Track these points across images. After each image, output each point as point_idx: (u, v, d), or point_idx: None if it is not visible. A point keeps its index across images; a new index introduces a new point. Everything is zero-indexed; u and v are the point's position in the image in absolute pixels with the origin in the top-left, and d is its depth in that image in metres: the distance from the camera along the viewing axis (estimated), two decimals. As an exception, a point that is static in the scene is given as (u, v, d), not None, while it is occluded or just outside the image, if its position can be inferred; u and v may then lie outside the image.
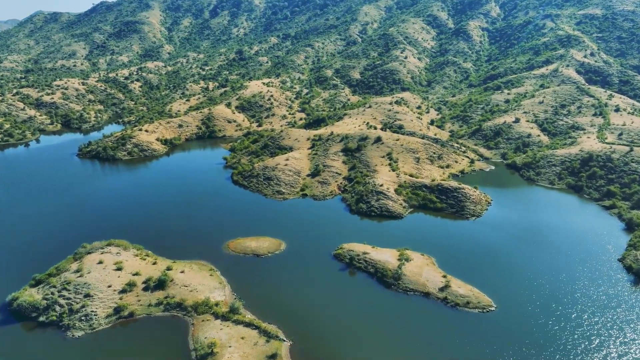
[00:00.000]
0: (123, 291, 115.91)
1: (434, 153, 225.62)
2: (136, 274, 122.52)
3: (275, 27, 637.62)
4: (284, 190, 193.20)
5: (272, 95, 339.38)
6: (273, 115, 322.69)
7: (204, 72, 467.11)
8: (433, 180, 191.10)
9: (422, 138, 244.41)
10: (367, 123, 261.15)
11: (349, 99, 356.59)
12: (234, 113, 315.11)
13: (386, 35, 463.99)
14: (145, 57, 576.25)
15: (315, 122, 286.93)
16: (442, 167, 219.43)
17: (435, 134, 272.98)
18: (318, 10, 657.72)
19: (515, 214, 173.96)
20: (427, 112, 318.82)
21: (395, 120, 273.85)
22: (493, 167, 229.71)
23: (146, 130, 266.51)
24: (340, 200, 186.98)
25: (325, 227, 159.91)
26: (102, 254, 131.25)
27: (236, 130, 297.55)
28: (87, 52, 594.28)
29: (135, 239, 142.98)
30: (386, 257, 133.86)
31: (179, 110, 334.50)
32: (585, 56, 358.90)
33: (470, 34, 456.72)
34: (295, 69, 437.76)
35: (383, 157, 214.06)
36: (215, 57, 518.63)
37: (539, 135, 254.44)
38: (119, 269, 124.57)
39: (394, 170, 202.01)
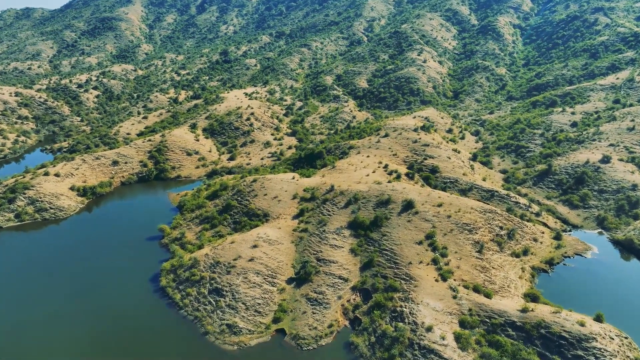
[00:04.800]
0: None
1: (501, 228, 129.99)
2: None
3: (269, 23, 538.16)
4: (241, 325, 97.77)
5: (252, 113, 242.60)
6: (252, 142, 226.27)
7: (178, 78, 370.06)
8: (525, 311, 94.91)
9: (483, 200, 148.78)
10: (386, 166, 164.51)
11: (354, 116, 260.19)
12: (198, 140, 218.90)
13: (398, 34, 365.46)
14: (119, 58, 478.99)
15: (308, 159, 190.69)
16: (517, 256, 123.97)
17: (484, 179, 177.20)
18: (317, 4, 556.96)
19: None
20: (462, 138, 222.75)
21: (425, 159, 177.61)
22: (596, 250, 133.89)
23: (56, 175, 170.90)
24: (347, 348, 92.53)
25: None
26: None
27: (197, 168, 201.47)
28: (54, 52, 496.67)
29: None
30: None
31: (129, 133, 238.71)
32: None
33: (500, 32, 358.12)
34: (287, 75, 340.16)
35: (420, 242, 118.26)
36: (196, 59, 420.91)
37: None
38: None
39: (444, 278, 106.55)
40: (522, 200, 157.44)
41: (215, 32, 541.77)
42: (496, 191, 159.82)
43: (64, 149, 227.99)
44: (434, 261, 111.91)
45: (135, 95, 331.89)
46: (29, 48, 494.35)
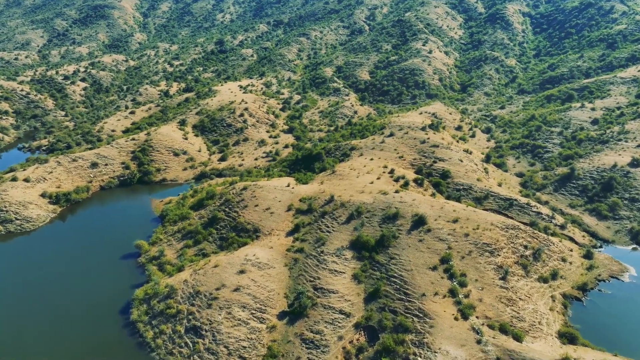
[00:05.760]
0: None
1: (526, 247, 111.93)
2: None
3: (267, 11, 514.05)
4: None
5: (246, 109, 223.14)
6: (246, 140, 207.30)
7: (171, 69, 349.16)
8: None
9: (501, 209, 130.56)
10: (392, 171, 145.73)
11: (355, 112, 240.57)
12: (186, 138, 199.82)
13: (402, 22, 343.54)
14: (111, 47, 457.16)
15: (305, 161, 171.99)
16: (545, 281, 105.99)
17: (499, 184, 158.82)
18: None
19: None
20: (473, 137, 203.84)
21: (434, 161, 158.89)
22: (633, 271, 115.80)
23: (26, 180, 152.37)
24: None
25: None
26: None
27: (185, 170, 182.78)
28: (45, 42, 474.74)
29: None
30: None
31: (113, 130, 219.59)
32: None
33: (509, 21, 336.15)
34: (284, 66, 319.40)
35: (434, 268, 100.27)
36: (190, 49, 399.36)
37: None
38: None
39: (464, 315, 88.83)
40: (544, 210, 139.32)
41: (212, 20, 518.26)
42: (515, 199, 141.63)
43: (44, 147, 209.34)
44: (452, 292, 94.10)
45: (125, 87, 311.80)
46: (18, 37, 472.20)
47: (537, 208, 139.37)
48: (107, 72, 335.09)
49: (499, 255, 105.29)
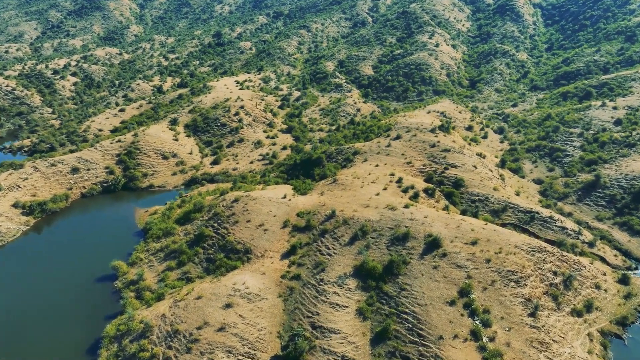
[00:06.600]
0: None
1: (555, 273, 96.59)
2: None
3: (266, 3, 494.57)
4: None
5: (242, 107, 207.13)
6: (241, 141, 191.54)
7: (166, 63, 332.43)
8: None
9: (521, 223, 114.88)
10: (400, 180, 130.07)
11: (358, 109, 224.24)
12: (177, 139, 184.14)
13: (407, 14, 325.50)
14: (106, 40, 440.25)
15: (304, 166, 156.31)
16: (579, 315, 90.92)
17: (517, 193, 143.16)
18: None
19: None
20: (485, 137, 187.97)
21: (446, 168, 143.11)
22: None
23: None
24: None
25: None
26: None
27: (174, 174, 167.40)
28: (39, 34, 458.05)
29: None
30: None
31: (101, 130, 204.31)
32: None
33: (520, 12, 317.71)
34: (284, 60, 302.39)
35: (452, 302, 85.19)
36: (187, 41, 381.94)
37: None
38: None
39: (491, 365, 74.36)
40: (570, 225, 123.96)
41: (210, 12, 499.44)
42: (536, 212, 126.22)
43: (25, 149, 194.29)
44: (474, 334, 79.19)
45: (117, 82, 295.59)
46: (10, 29, 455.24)
47: (562, 222, 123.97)
48: (99, 66, 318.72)
49: (526, 285, 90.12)
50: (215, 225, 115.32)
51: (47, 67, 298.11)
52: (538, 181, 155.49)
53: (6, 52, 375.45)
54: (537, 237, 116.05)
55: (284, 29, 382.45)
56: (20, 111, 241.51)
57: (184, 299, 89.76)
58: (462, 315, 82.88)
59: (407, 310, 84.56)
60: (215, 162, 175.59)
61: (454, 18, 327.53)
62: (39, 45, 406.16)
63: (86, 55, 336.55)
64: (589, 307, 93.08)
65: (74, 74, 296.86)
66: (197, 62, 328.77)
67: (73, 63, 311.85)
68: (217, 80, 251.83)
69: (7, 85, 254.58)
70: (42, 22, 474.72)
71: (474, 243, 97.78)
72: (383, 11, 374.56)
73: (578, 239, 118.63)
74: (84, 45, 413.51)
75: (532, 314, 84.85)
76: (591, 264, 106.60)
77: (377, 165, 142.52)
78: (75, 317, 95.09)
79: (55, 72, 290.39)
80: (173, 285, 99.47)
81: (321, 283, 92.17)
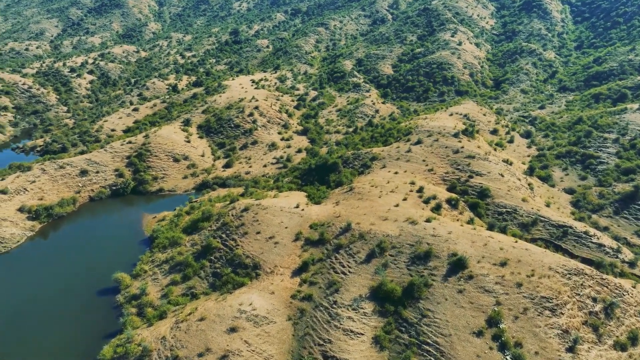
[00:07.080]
0: None
1: (595, 300, 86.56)
2: None
3: (284, 0, 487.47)
4: None
5: (257, 107, 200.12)
6: (255, 143, 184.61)
7: (182, 61, 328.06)
8: None
9: (553, 239, 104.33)
10: (420, 189, 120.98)
11: (377, 110, 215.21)
12: (189, 141, 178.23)
13: (428, 11, 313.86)
14: (125, 37, 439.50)
15: (319, 171, 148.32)
16: (623, 349, 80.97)
17: (547, 204, 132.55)
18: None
19: None
20: (511, 142, 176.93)
21: (470, 176, 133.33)
22: None
23: (3, 192, 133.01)
24: None
25: None
26: None
27: (185, 178, 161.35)
28: (59, 32, 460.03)
29: None
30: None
31: (113, 130, 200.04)
32: None
33: (547, 9, 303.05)
34: (301, 59, 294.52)
35: (480, 333, 76.44)
36: (204, 39, 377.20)
37: None
38: None
39: (525, 411, 65.53)
40: (607, 241, 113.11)
41: (228, 9, 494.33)
42: (570, 226, 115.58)
43: (38, 148, 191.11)
44: (505, 372, 70.28)
45: (133, 81, 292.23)
46: (32, 27, 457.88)
47: (598, 238, 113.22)
48: (116, 63, 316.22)
49: (563, 314, 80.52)
50: (224, 236, 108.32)
51: (64, 65, 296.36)
52: (569, 191, 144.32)
53: (26, 49, 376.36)
54: (571, 255, 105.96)
55: (301, 26, 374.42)
56: (36, 110, 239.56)
57: (186, 319, 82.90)
58: (490, 348, 73.93)
59: (429, 341, 75.98)
60: (227, 165, 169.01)
61: (478, 15, 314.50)
62: (59, 43, 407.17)
63: (104, 52, 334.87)
64: (633, 339, 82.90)
65: (90, 72, 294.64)
66: (214, 60, 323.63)
67: (90, 61, 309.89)
68: (233, 79, 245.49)
69: (23, 84, 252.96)
70: (62, 19, 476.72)
71: (503, 264, 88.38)
72: (403, 8, 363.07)
73: (617, 257, 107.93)
74: (103, 42, 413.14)
75: (571, 349, 75.36)
76: (633, 287, 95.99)
77: (396, 173, 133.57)
78: (73, 334, 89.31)
79: (72, 70, 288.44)
80: (177, 302, 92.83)
81: (334, 306, 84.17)
